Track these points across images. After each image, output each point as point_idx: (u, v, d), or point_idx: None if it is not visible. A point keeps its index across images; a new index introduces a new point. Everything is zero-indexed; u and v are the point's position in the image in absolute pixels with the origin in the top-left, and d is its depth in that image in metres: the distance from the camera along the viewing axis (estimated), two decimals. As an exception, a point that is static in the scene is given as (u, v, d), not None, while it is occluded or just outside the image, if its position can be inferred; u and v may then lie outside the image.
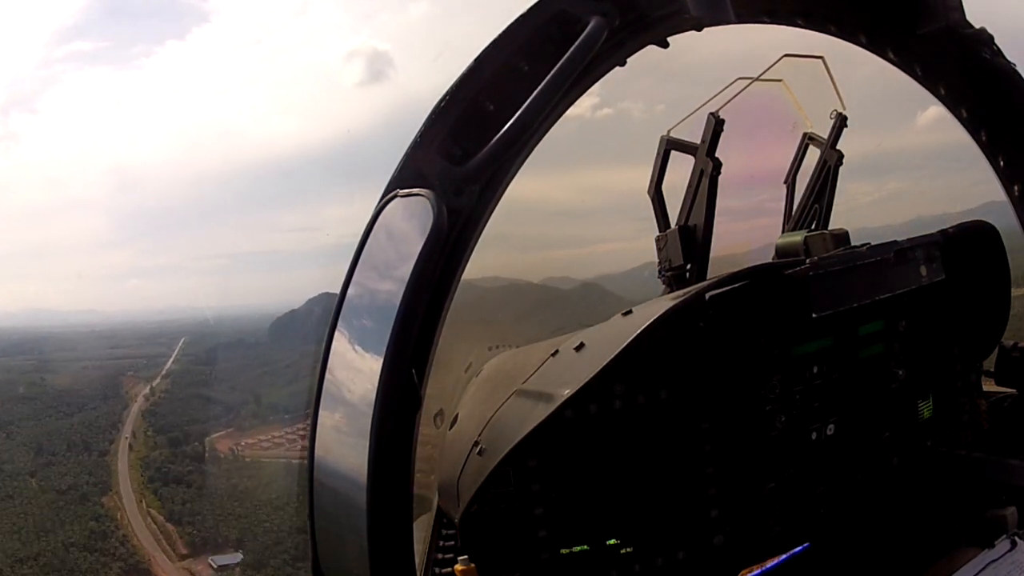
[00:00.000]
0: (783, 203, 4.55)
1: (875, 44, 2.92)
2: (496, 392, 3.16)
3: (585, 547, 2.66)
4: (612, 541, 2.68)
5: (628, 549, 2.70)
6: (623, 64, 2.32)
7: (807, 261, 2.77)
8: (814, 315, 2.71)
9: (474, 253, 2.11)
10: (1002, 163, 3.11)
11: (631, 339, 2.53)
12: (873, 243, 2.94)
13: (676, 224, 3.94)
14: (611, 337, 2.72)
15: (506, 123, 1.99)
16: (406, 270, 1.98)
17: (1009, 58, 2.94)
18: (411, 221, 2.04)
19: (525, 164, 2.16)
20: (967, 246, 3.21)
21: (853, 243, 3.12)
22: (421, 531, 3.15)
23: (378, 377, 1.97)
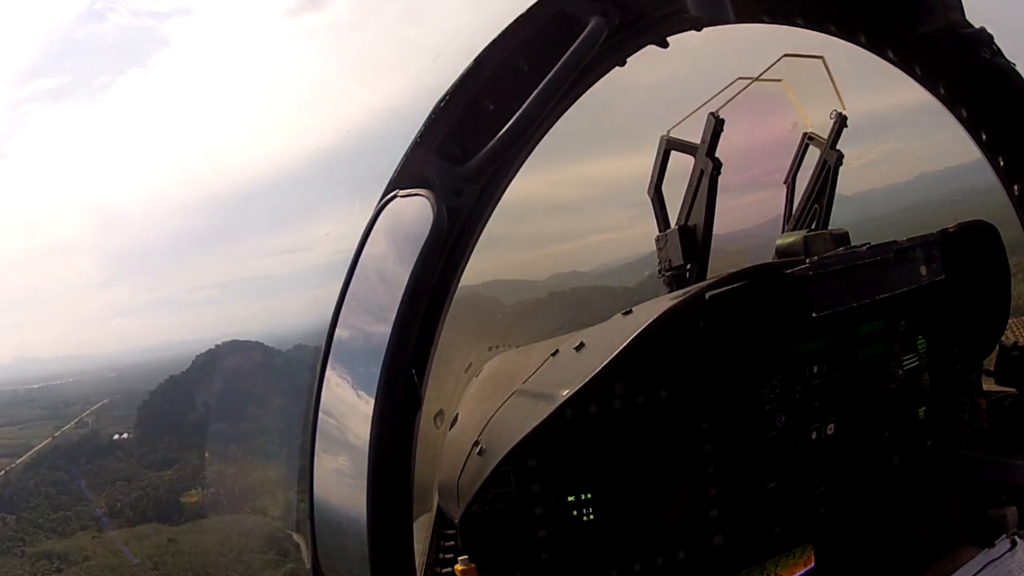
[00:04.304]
0: (783, 203, 4.56)
1: (875, 44, 2.92)
2: (496, 392, 3.16)
3: (585, 546, 2.66)
4: (612, 541, 2.68)
5: (628, 548, 2.70)
6: (623, 64, 2.32)
7: (807, 261, 2.76)
8: (814, 315, 2.71)
9: (474, 259, 2.11)
10: (1002, 163, 3.11)
11: (631, 339, 2.52)
12: (873, 243, 2.94)
13: (676, 224, 3.94)
14: (611, 337, 2.71)
15: (506, 123, 1.99)
16: (406, 270, 1.98)
17: (1009, 58, 2.94)
18: (411, 221, 2.04)
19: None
20: (967, 245, 3.22)
21: (853, 242, 3.13)
22: (421, 531, 3.15)
23: (378, 377, 1.97)
